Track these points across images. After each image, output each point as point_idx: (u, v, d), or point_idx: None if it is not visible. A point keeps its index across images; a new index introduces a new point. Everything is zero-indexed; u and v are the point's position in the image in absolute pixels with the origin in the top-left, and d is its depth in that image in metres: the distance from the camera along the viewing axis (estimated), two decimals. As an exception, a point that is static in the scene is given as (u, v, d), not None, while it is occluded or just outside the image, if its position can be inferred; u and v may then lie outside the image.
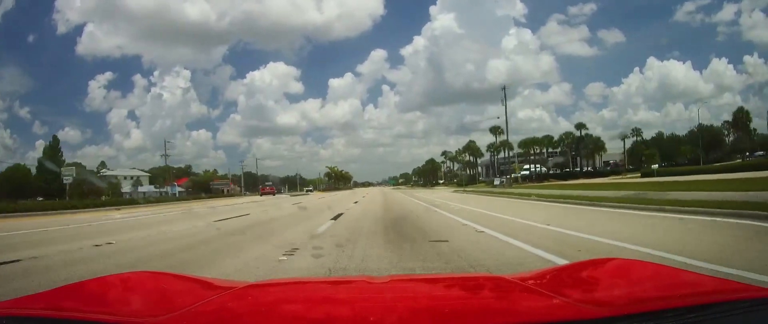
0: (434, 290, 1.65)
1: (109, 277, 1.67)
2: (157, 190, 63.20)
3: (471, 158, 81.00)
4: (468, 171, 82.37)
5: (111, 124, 75.41)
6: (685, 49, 79.12)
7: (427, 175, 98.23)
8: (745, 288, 1.20)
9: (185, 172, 78.35)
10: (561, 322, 1.04)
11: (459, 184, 64.67)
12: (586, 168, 71.65)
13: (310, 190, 77.43)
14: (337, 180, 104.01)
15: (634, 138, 69.84)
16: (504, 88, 49.79)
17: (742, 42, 67.87)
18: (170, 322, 1.10)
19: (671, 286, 1.36)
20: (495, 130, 69.74)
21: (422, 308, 1.28)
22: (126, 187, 65.34)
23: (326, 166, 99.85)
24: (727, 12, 67.50)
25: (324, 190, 75.10)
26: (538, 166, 69.67)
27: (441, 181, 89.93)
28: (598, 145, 70.26)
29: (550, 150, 73.12)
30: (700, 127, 63.50)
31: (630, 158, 68.47)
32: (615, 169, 68.61)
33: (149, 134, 75.05)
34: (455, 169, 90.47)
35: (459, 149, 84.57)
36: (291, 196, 51.11)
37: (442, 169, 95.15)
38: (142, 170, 74.95)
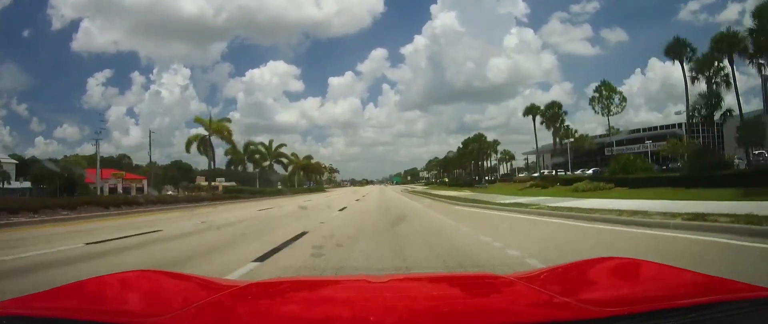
0: (434, 290, 1.64)
1: (108, 277, 1.66)
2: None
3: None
4: (540, 159, 45.04)
5: (110, 121, 71.64)
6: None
7: (466, 164, 56.08)
8: (745, 288, 1.19)
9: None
10: (561, 321, 1.03)
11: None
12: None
13: None
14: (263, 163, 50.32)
15: None
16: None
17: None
18: (170, 322, 1.09)
19: (672, 285, 1.36)
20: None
21: (422, 308, 1.28)
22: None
23: (195, 119, 47.35)
24: (732, 11, 63.40)
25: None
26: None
27: (488, 178, 50.59)
28: None
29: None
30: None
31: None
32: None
33: (148, 131, 71.77)
34: (501, 157, 52.79)
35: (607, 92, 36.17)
36: None
37: (495, 154, 54.47)
38: (12, 157, 47.69)
